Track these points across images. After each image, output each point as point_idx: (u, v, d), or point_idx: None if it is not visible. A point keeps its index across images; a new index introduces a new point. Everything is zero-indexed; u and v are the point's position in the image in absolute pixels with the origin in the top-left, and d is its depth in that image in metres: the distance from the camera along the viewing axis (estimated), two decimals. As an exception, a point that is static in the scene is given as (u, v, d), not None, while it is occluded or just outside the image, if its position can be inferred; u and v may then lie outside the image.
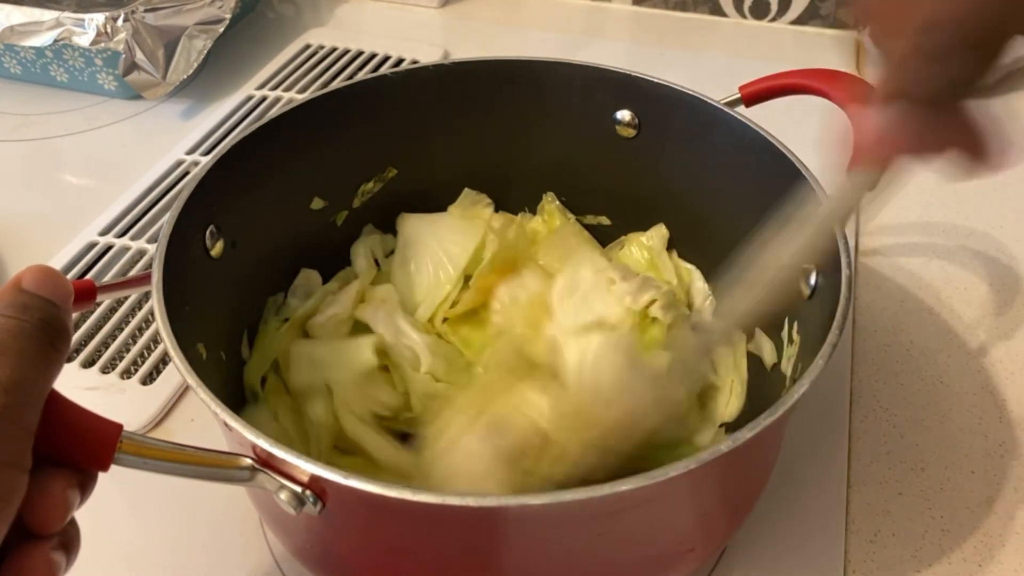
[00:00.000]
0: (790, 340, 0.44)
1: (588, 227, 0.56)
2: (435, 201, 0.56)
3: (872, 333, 0.57)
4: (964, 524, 0.46)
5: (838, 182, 0.36)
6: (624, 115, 0.50)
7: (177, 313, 0.36)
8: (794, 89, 0.47)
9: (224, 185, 0.44)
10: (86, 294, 0.37)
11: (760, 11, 0.89)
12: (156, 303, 0.36)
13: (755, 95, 0.48)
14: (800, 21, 0.89)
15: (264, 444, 0.30)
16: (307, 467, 0.30)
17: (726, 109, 0.46)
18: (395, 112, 0.51)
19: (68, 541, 0.28)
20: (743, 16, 0.90)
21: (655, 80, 0.48)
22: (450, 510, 0.29)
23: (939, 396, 0.53)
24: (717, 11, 0.91)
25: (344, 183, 0.52)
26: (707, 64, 0.83)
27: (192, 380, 0.33)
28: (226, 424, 0.32)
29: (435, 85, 0.51)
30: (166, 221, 0.40)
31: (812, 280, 0.41)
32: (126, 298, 0.60)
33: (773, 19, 0.90)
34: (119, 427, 0.29)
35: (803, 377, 0.33)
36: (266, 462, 0.31)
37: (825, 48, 0.85)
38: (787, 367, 0.43)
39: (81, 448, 0.28)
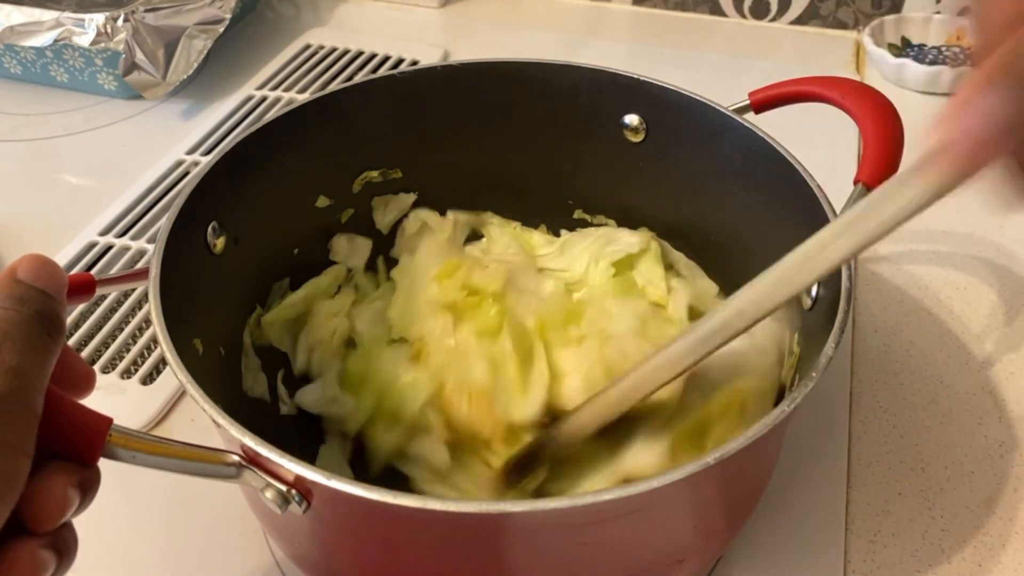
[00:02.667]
0: (790, 351, 0.44)
1: (594, 228, 0.56)
2: (439, 204, 0.56)
3: (872, 333, 0.57)
4: (964, 524, 0.46)
5: (894, 185, 0.31)
6: (632, 119, 0.50)
7: (174, 308, 0.36)
8: (806, 97, 0.47)
9: (228, 182, 0.44)
10: (85, 287, 0.37)
11: (760, 11, 0.90)
12: (152, 297, 0.36)
13: (765, 102, 0.47)
14: (800, 21, 0.89)
15: (250, 443, 0.30)
16: (292, 467, 0.30)
17: (734, 116, 0.46)
18: (402, 112, 0.51)
19: (61, 544, 0.28)
20: (743, 16, 0.90)
21: (664, 85, 0.48)
22: (431, 515, 0.29)
23: (939, 396, 0.53)
24: (717, 11, 0.91)
25: (350, 182, 0.52)
26: (707, 64, 0.83)
27: (183, 376, 0.33)
28: (215, 420, 0.32)
29: (443, 86, 0.51)
30: (167, 216, 0.40)
31: (813, 292, 0.41)
32: (126, 298, 0.60)
33: (773, 19, 0.90)
34: (109, 420, 0.29)
35: (796, 390, 0.32)
36: (253, 460, 0.31)
37: (825, 48, 0.85)
38: (787, 378, 0.43)
39: (70, 440, 0.28)
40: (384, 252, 0.55)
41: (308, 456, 0.46)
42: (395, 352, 0.48)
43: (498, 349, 0.47)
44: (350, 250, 0.54)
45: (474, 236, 0.57)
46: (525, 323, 0.49)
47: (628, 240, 0.53)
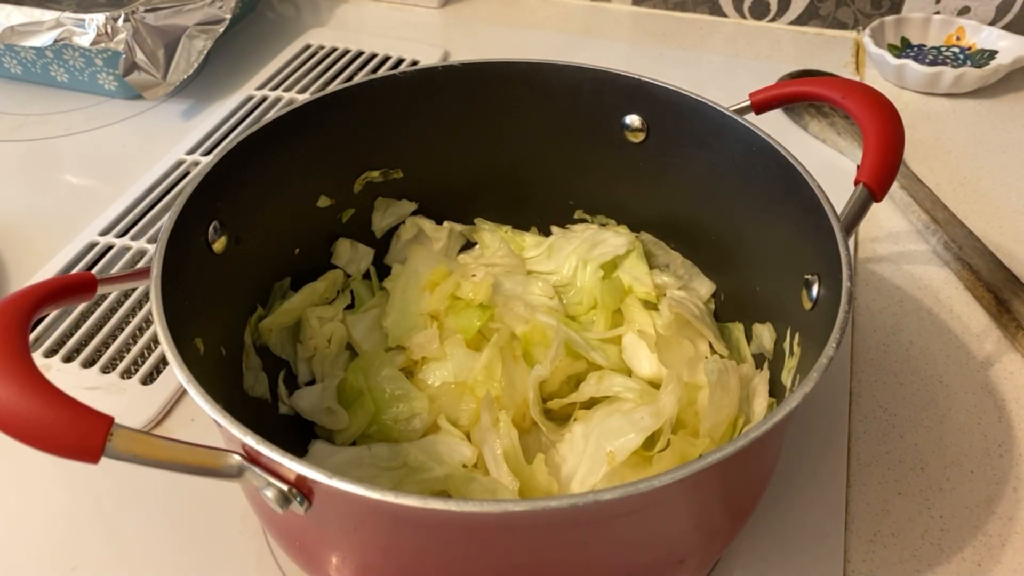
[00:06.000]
0: (791, 352, 0.44)
1: (579, 229, 0.56)
2: (441, 205, 0.56)
3: (872, 333, 0.57)
4: (964, 524, 0.46)
5: None
6: (633, 120, 0.50)
7: (176, 308, 0.37)
8: (806, 97, 0.47)
9: (229, 181, 0.44)
10: (86, 286, 0.37)
11: (760, 11, 0.90)
12: (153, 296, 0.36)
13: (765, 102, 0.47)
14: (800, 21, 0.89)
15: (252, 442, 0.30)
16: (293, 466, 0.30)
17: (734, 116, 0.46)
18: (403, 112, 0.51)
19: None
20: (743, 16, 0.90)
21: (664, 85, 0.48)
22: (432, 514, 0.29)
23: (939, 396, 0.53)
24: (717, 11, 0.91)
25: (351, 183, 0.53)
26: (707, 64, 0.83)
27: (183, 375, 0.33)
28: (215, 420, 0.32)
29: (443, 86, 0.51)
30: (168, 216, 0.40)
31: (814, 292, 0.41)
32: (126, 298, 0.60)
33: (773, 19, 0.90)
34: (110, 419, 0.29)
35: (796, 390, 0.32)
36: (254, 459, 0.31)
37: (824, 48, 0.86)
38: (787, 379, 0.43)
39: (72, 440, 0.28)
40: (376, 259, 0.56)
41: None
42: (393, 370, 0.48)
43: (487, 357, 0.47)
44: (352, 256, 0.54)
45: (469, 245, 0.57)
46: (514, 329, 0.49)
47: (614, 242, 0.53)
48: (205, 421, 0.51)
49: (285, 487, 0.31)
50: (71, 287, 0.36)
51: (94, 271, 0.62)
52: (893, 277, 0.61)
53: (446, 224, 0.56)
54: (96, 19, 0.73)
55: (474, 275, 0.51)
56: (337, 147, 0.50)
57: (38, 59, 0.79)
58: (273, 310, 0.49)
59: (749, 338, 0.49)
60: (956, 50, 0.82)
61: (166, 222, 0.39)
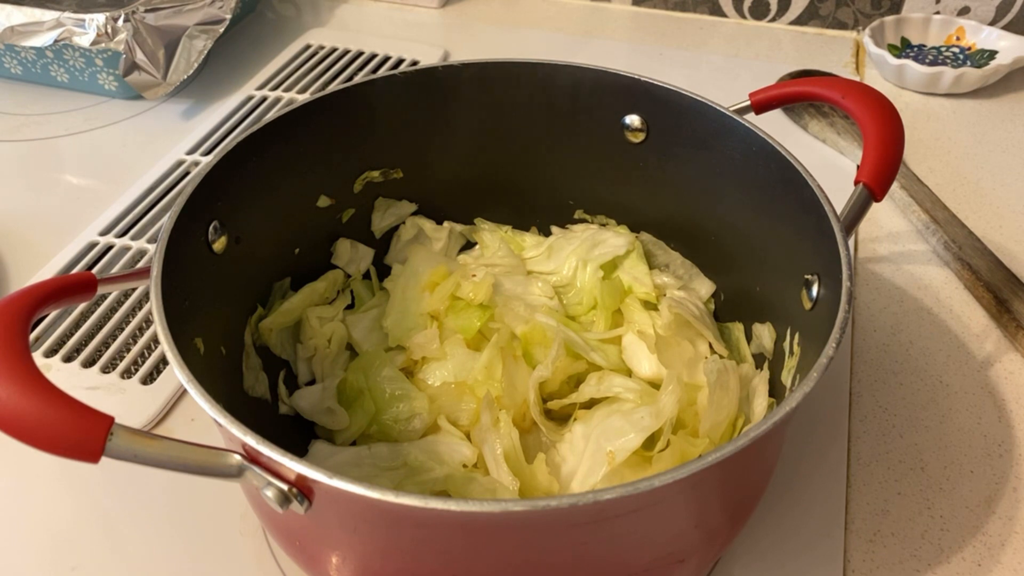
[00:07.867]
0: (791, 352, 0.44)
1: (579, 229, 0.56)
2: (441, 205, 0.56)
3: (871, 333, 0.57)
4: (964, 524, 0.46)
5: None
6: (633, 120, 0.50)
7: (176, 308, 0.37)
8: (806, 97, 0.47)
9: (229, 181, 0.44)
10: (86, 286, 0.37)
11: (760, 11, 0.90)
12: (153, 296, 0.36)
13: (765, 102, 0.47)
14: (800, 21, 0.89)
15: (252, 442, 0.30)
16: (293, 466, 0.30)
17: (734, 116, 0.46)
18: (403, 112, 0.51)
19: None
20: (743, 16, 0.91)
21: (664, 85, 0.48)
22: (432, 513, 0.29)
23: (938, 396, 0.53)
24: (717, 11, 0.91)
25: (351, 183, 0.53)
26: (707, 64, 0.83)
27: (184, 375, 0.33)
28: (216, 420, 0.32)
29: (443, 86, 0.51)
30: (168, 216, 0.40)
31: (814, 292, 0.41)
32: (126, 298, 0.60)
33: (773, 19, 0.90)
34: (110, 419, 0.29)
35: (796, 390, 0.32)
36: (254, 459, 0.31)
37: (824, 48, 0.86)
38: (787, 379, 0.43)
39: (72, 439, 0.28)
40: (376, 259, 0.56)
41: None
42: (393, 370, 0.48)
43: (488, 357, 0.47)
44: (352, 256, 0.54)
45: (469, 245, 0.57)
46: (514, 330, 0.49)
47: (614, 243, 0.53)
48: (206, 420, 0.51)
49: (285, 487, 0.31)
50: (71, 287, 0.36)
51: (94, 271, 0.62)
52: (893, 277, 0.61)
53: (446, 224, 0.56)
54: (96, 19, 0.74)
55: (474, 275, 0.51)
56: (337, 147, 0.50)
57: (38, 59, 0.79)
58: (273, 310, 0.49)
59: (749, 338, 0.49)
60: (956, 50, 0.82)
61: (166, 222, 0.39)
